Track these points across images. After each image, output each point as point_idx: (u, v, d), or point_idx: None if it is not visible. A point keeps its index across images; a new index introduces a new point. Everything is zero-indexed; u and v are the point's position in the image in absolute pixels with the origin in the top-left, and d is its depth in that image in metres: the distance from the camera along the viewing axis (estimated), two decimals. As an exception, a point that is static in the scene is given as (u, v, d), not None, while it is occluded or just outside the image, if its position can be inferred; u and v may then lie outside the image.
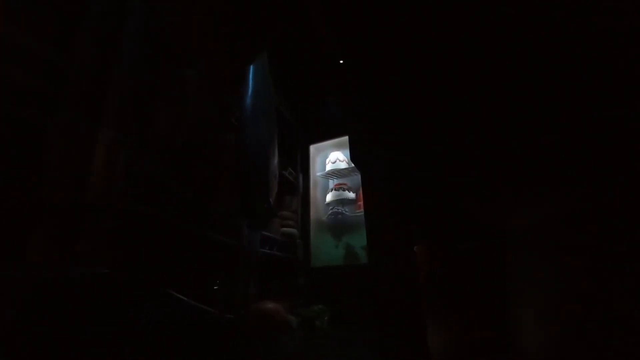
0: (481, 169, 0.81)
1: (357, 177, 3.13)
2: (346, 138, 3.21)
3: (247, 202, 1.79)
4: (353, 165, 2.99)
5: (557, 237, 0.68)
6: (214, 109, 1.59)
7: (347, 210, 2.98)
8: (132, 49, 1.08)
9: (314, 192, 3.20)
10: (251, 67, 2.09)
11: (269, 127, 2.00)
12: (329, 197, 3.03)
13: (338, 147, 3.24)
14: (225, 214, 1.82)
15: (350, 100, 0.85)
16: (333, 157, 3.14)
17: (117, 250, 1.09)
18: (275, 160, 2.01)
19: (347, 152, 3.18)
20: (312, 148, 3.31)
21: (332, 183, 3.20)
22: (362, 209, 2.87)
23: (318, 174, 3.23)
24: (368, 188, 0.79)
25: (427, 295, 0.82)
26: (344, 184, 3.06)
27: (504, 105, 0.81)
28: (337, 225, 3.01)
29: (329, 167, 3.13)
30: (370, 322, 2.21)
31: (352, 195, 2.99)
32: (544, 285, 0.66)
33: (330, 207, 3.04)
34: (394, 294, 0.79)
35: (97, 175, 1.04)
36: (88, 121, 1.04)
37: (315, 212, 3.12)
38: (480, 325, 0.75)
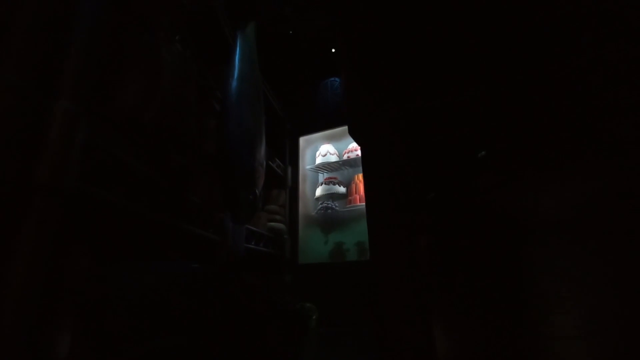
0: (500, 146, 0.70)
1: (348, 171, 3.01)
2: (338, 130, 3.09)
3: (231, 192, 1.64)
4: (344, 158, 2.88)
5: (599, 227, 0.57)
6: (192, 87, 1.44)
7: (337, 205, 2.87)
8: (94, 3, 0.93)
9: (303, 185, 3.07)
10: (237, 48, 1.94)
11: (255, 113, 1.85)
12: (319, 192, 2.90)
13: (329, 140, 3.12)
14: (205, 205, 1.67)
15: (352, 61, 0.73)
16: (323, 149, 3.02)
17: (71, 242, 0.94)
18: (263, 148, 1.87)
19: (339, 145, 3.07)
20: (302, 140, 3.17)
21: (321, 177, 3.08)
22: (352, 204, 2.76)
23: (307, 167, 3.10)
24: (368, 167, 0.67)
25: (433, 294, 0.70)
26: (334, 178, 2.94)
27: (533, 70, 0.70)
28: (327, 221, 2.89)
29: (319, 160, 3.00)
30: (362, 323, 2.10)
31: (342, 189, 2.88)
32: (582, 285, 0.55)
33: (320, 202, 2.92)
34: (396, 293, 0.67)
35: (48, 153, 0.88)
36: (38, 88, 0.88)
37: (304, 206, 2.99)
38: (493, 329, 0.64)
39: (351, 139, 3.02)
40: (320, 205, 2.89)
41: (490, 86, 0.73)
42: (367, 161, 0.67)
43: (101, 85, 0.95)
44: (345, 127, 2.78)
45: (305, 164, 3.12)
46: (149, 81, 1.07)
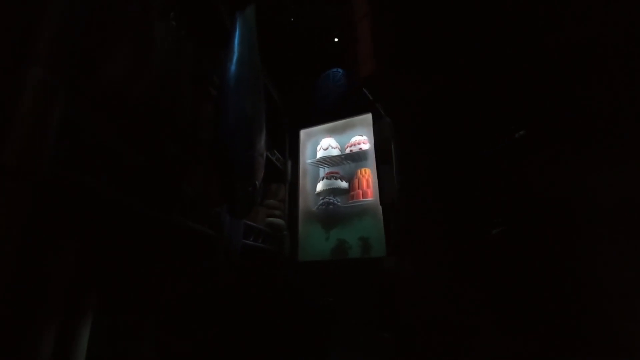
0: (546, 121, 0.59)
1: (350, 166, 2.90)
2: (340, 123, 2.97)
3: (228, 183, 1.52)
4: (347, 152, 2.76)
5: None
6: (186, 67, 1.32)
7: (339, 200, 2.75)
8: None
9: (303, 180, 2.95)
10: (236, 30, 1.82)
11: (255, 100, 1.74)
12: (320, 187, 2.79)
13: (331, 133, 3.00)
14: (200, 197, 1.55)
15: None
16: (325, 143, 2.90)
17: (44, 232, 0.82)
18: (263, 138, 1.75)
19: (341, 138, 2.95)
20: (302, 133, 3.06)
21: (322, 171, 2.96)
22: (355, 200, 2.65)
23: (308, 161, 2.98)
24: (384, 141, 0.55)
25: (474, 290, 0.58)
26: (336, 173, 2.82)
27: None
28: (328, 217, 2.78)
29: (320, 154, 2.88)
30: (367, 322, 2.00)
31: (344, 184, 2.76)
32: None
33: (321, 197, 2.80)
34: (434, 297, 0.57)
35: (19, 130, 0.76)
36: (6, 52, 0.76)
37: (304, 202, 2.88)
38: (541, 328, 0.53)
39: (353, 132, 2.91)
40: (322, 201, 2.77)
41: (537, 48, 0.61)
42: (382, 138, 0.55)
43: (82, 53, 0.83)
44: (347, 120, 2.66)
45: (306, 158, 3.01)
46: (138, 53, 0.95)
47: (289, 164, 2.86)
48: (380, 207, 2.53)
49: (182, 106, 1.31)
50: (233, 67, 1.69)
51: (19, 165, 0.75)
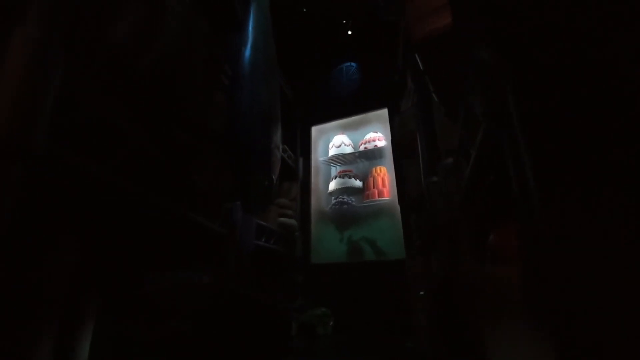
0: None
1: (364, 164, 2.77)
2: (354, 119, 2.84)
3: (244, 176, 1.39)
4: (360, 149, 2.61)
5: None
6: (198, 45, 1.19)
7: (353, 199, 2.61)
8: None
9: (315, 179, 2.82)
10: (251, 15, 1.70)
11: (270, 88, 1.61)
12: (332, 185, 2.65)
13: (343, 130, 2.87)
14: (211, 192, 1.42)
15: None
16: (337, 140, 2.77)
17: (35, 219, 0.69)
18: (279, 130, 1.62)
19: (354, 135, 2.83)
20: (314, 130, 2.93)
21: (335, 170, 2.83)
22: (370, 199, 2.51)
23: (320, 159, 2.85)
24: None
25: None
26: (349, 171, 2.69)
27: None
28: (342, 217, 2.64)
29: (332, 152, 2.75)
30: (384, 330, 1.84)
31: (358, 183, 2.63)
32: None
33: (334, 197, 2.66)
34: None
35: (9, 102, 0.63)
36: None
37: (317, 201, 2.74)
38: None
39: (368, 129, 2.78)
40: (335, 200, 2.64)
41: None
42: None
43: (84, 11, 0.70)
44: (361, 116, 2.52)
45: (318, 156, 2.88)
46: (148, 18, 0.82)
47: (300, 161, 2.73)
48: (397, 206, 2.40)
49: (192, 87, 1.19)
50: (248, 53, 1.58)
51: (8, 139, 0.63)
